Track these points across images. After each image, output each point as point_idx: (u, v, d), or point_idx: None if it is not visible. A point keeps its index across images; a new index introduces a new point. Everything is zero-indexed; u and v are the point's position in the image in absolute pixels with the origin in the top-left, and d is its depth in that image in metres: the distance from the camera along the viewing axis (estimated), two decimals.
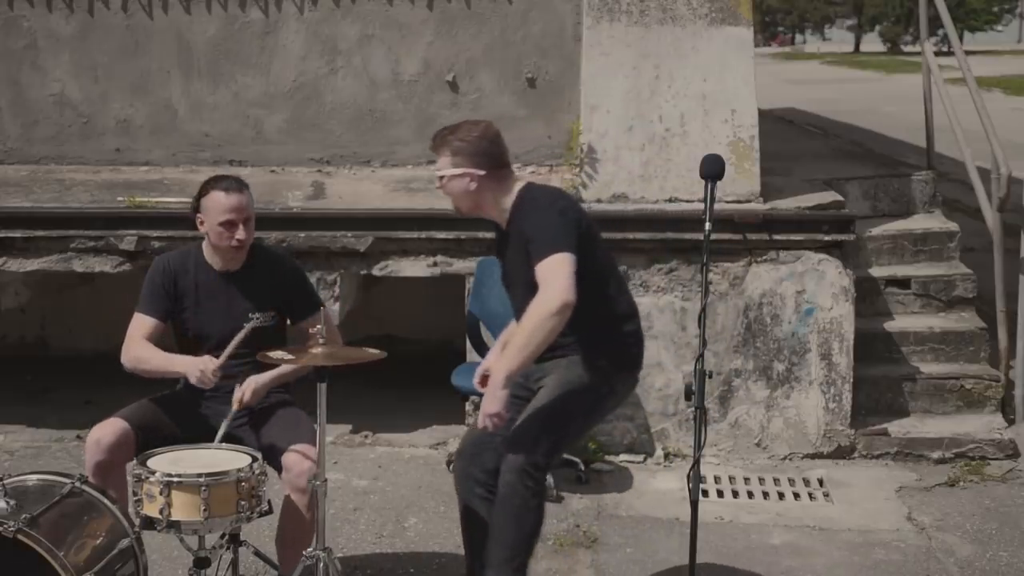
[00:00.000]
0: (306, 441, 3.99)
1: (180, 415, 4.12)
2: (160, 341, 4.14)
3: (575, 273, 3.60)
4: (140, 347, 4.09)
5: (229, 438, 4.03)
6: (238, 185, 4.12)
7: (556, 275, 3.58)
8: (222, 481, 3.58)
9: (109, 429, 3.93)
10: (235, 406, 4.02)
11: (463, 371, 5.36)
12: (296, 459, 3.95)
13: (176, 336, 4.23)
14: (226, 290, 4.15)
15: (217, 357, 4.09)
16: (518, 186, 3.84)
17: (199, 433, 4.01)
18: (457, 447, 4.08)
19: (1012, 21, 64.69)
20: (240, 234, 4.07)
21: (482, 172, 3.78)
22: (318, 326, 3.79)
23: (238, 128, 6.67)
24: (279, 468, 3.99)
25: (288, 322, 4.30)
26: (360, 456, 5.84)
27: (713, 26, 5.93)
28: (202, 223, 4.11)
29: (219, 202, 4.06)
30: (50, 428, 6.17)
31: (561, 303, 3.53)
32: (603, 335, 3.86)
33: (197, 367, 3.95)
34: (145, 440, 3.92)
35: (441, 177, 3.84)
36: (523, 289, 3.77)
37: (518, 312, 3.84)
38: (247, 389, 4.04)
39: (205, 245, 4.18)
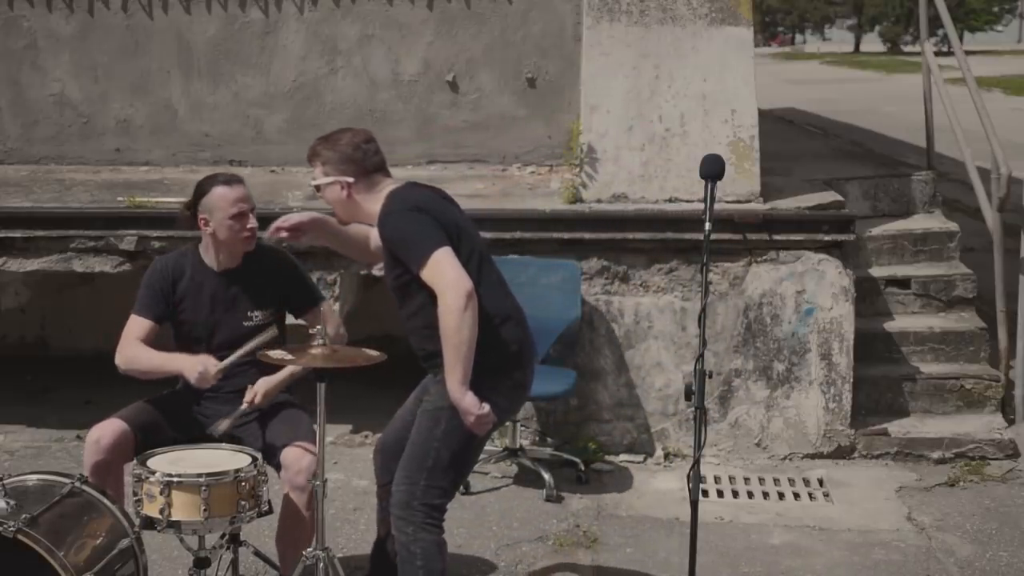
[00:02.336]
0: (305, 439, 3.99)
1: (179, 415, 4.12)
2: (155, 344, 4.12)
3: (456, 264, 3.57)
4: (135, 347, 4.06)
5: (229, 438, 4.03)
6: (236, 177, 4.14)
7: (442, 274, 3.55)
8: (222, 481, 3.58)
9: (108, 429, 3.92)
10: (244, 406, 4.02)
11: None
12: (295, 457, 3.95)
13: (176, 337, 4.21)
14: (226, 289, 4.14)
15: (218, 357, 4.08)
16: (387, 191, 3.79)
17: (198, 433, 4.02)
18: (378, 442, 4.07)
19: (1012, 21, 64.70)
20: (251, 223, 4.09)
21: (350, 179, 3.76)
22: (317, 326, 3.79)
23: (238, 128, 6.68)
24: (278, 467, 3.99)
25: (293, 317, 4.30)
26: (360, 456, 5.83)
27: (713, 26, 5.93)
28: (206, 223, 4.08)
29: (225, 197, 4.05)
30: (50, 428, 6.16)
31: (461, 298, 3.50)
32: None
33: (196, 368, 3.93)
34: (144, 441, 3.91)
35: (317, 187, 3.83)
36: (396, 293, 3.78)
37: (399, 308, 3.81)
38: (259, 391, 4.04)
39: (202, 246, 4.17)
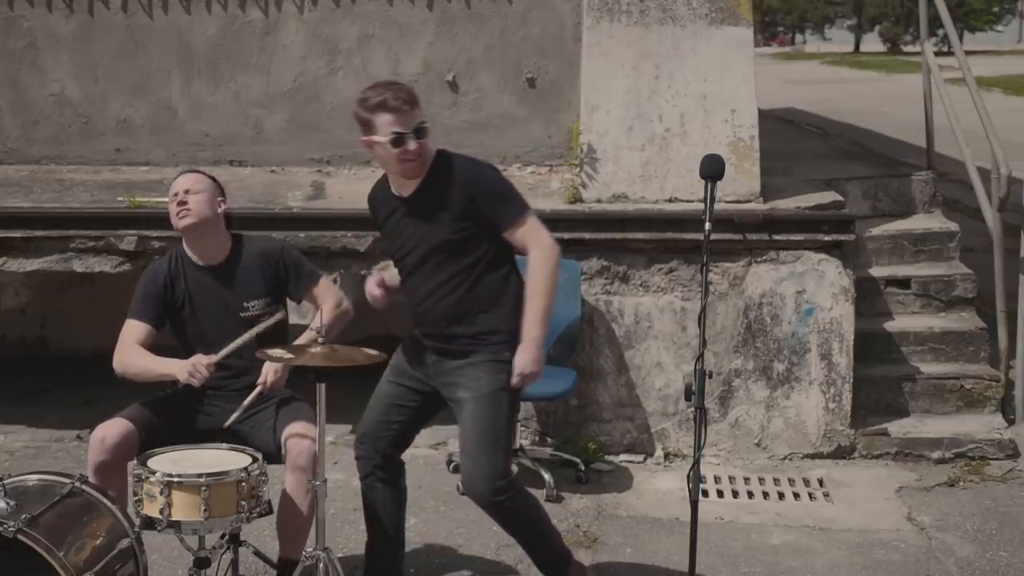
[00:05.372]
0: (305, 421, 4.02)
1: (182, 414, 4.13)
2: (152, 347, 4.14)
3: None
4: (130, 351, 4.09)
5: (230, 436, 4.03)
6: (189, 169, 4.31)
7: (541, 232, 3.82)
8: (222, 481, 3.58)
9: (114, 429, 3.93)
10: (257, 390, 4.04)
11: None
12: (296, 438, 3.97)
13: (176, 336, 4.22)
14: (216, 284, 4.15)
15: (217, 351, 4.09)
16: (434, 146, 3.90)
17: (201, 432, 4.02)
18: (359, 431, 4.10)
19: (1012, 21, 64.70)
20: (183, 199, 4.11)
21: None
22: (318, 325, 3.79)
23: (238, 128, 6.67)
24: (279, 453, 4.00)
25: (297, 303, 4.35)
26: None
27: (713, 26, 5.93)
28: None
29: (170, 187, 4.18)
30: (50, 428, 6.16)
31: (557, 259, 3.80)
32: (509, 310, 3.87)
33: (186, 368, 3.96)
34: (148, 440, 3.92)
35: (426, 128, 3.79)
36: (441, 254, 3.82)
37: (420, 282, 3.87)
38: (268, 373, 4.05)
39: (184, 244, 4.22)
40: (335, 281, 5.75)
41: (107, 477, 3.84)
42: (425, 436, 6.04)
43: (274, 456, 4.01)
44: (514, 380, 3.78)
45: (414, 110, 3.77)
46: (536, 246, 3.79)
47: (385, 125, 3.72)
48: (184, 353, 4.19)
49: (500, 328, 3.85)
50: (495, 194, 3.82)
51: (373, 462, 4.05)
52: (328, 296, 4.25)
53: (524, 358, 3.75)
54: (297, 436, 3.97)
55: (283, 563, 4.08)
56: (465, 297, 3.82)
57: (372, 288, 3.97)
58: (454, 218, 3.78)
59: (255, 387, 4.06)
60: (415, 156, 3.77)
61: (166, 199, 4.23)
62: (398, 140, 3.72)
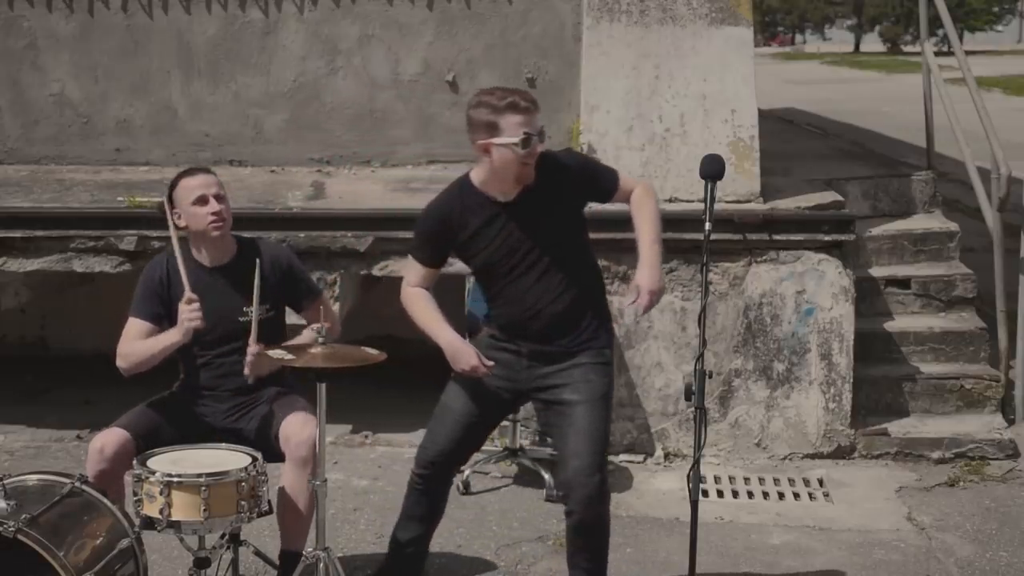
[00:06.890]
0: (303, 412, 4.02)
1: (179, 418, 4.12)
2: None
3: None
4: (131, 345, 4.07)
5: (227, 434, 4.03)
6: (201, 168, 4.23)
7: (629, 176, 4.08)
8: (222, 481, 3.58)
9: (111, 438, 3.92)
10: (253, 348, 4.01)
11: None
12: (295, 428, 3.96)
13: None
14: (218, 285, 4.12)
15: (215, 353, 4.09)
16: None
17: (199, 435, 4.01)
18: (427, 447, 4.06)
19: (1012, 21, 64.74)
20: (214, 206, 4.07)
21: None
22: (318, 325, 3.79)
23: (238, 128, 6.67)
24: (278, 445, 3.99)
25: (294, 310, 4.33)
26: (360, 456, 5.84)
27: (713, 26, 5.93)
28: (179, 216, 4.13)
29: (186, 186, 4.12)
30: (50, 428, 6.16)
31: None
32: (604, 307, 4.00)
33: (182, 326, 3.95)
34: (145, 447, 3.90)
35: (544, 131, 3.85)
36: (550, 255, 3.84)
37: (529, 286, 3.85)
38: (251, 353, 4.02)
39: (191, 243, 4.18)
40: (335, 283, 5.78)
41: (107, 485, 3.82)
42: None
43: (272, 451, 4.00)
44: (643, 300, 3.78)
45: (538, 112, 3.80)
46: (638, 185, 3.99)
47: (514, 127, 3.71)
48: (180, 352, 4.18)
49: (602, 325, 3.94)
50: (593, 172, 4.01)
51: (439, 477, 4.07)
52: (326, 314, 4.25)
53: (652, 277, 3.79)
54: (296, 428, 3.97)
55: (284, 556, 4.10)
56: (577, 296, 3.87)
57: (480, 368, 3.88)
58: (568, 212, 3.89)
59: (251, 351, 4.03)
60: (534, 158, 3.79)
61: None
62: (527, 141, 3.72)
